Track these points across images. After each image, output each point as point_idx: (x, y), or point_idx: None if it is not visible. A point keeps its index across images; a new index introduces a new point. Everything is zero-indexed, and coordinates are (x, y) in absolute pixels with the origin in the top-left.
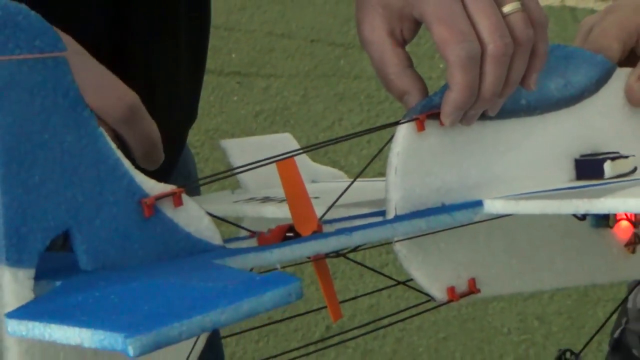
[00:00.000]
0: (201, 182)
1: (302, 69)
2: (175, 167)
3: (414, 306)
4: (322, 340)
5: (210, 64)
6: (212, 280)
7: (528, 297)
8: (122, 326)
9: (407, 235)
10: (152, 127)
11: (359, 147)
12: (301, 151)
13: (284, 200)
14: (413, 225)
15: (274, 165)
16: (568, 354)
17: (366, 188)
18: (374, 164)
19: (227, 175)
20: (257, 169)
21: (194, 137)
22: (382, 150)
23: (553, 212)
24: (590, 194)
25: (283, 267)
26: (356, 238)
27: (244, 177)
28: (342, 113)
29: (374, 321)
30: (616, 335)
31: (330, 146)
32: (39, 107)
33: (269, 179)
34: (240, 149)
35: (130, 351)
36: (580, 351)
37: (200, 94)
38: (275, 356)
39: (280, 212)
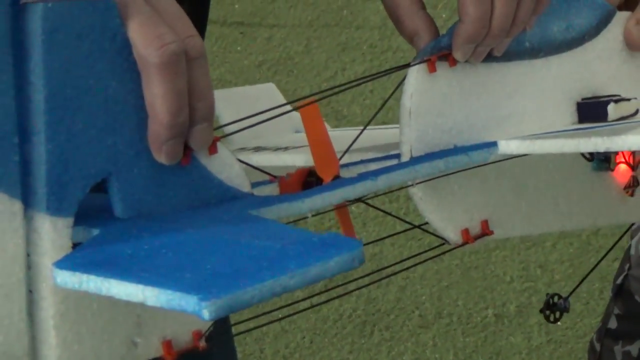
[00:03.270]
0: (236, 127)
1: (304, 19)
2: None
3: (424, 252)
4: (327, 290)
5: (213, 14)
6: (266, 237)
7: (530, 246)
8: (192, 287)
9: (425, 177)
10: (201, 93)
11: (362, 97)
12: (319, 96)
13: (278, 149)
14: (432, 166)
15: (260, 116)
16: (556, 298)
17: (369, 135)
18: (380, 113)
19: (264, 119)
20: (242, 120)
21: None
22: (388, 97)
23: (571, 151)
24: (607, 133)
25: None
26: (381, 182)
27: (229, 129)
28: (345, 63)
29: (378, 270)
30: (619, 281)
31: (334, 95)
32: (86, 52)
33: (255, 131)
34: (225, 100)
35: (206, 315)
36: (568, 296)
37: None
38: (280, 308)
39: (278, 160)
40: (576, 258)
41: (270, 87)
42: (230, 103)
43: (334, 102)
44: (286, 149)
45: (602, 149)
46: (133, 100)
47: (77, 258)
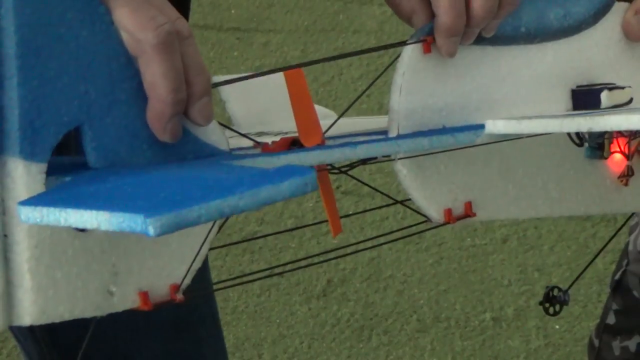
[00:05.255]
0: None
1: (301, 23)
2: None
3: (413, 225)
4: (325, 295)
5: (209, 19)
6: (227, 173)
7: (528, 249)
8: (141, 208)
9: (409, 154)
10: (194, 67)
11: (359, 102)
12: (308, 63)
13: (280, 133)
14: (416, 143)
15: (267, 102)
16: (556, 291)
17: (366, 122)
18: (377, 113)
19: (250, 76)
20: (250, 107)
21: None
22: (382, 71)
23: (555, 131)
24: (592, 115)
25: None
26: (360, 151)
27: (237, 115)
28: (342, 67)
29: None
30: (617, 277)
31: (330, 100)
32: (55, 1)
33: (262, 117)
34: (232, 85)
35: (151, 230)
36: (568, 288)
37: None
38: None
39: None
40: (574, 261)
41: (278, 74)
42: (238, 87)
43: (331, 107)
44: (287, 133)
45: (584, 129)
46: (104, 51)
47: (42, 197)
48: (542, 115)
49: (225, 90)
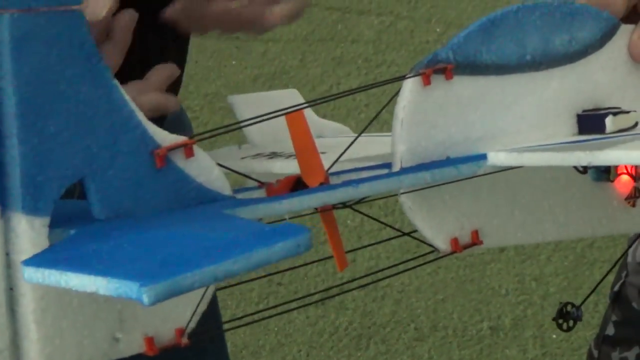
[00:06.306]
0: (211, 133)
1: (299, 33)
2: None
3: (412, 259)
4: (322, 300)
5: None
6: (223, 230)
7: (526, 259)
8: (136, 275)
9: (412, 188)
10: None
11: (357, 111)
12: (307, 104)
13: (291, 156)
14: (418, 177)
15: (281, 120)
16: (569, 307)
17: (372, 142)
18: (375, 125)
19: (236, 127)
20: (264, 125)
21: (193, 101)
22: (382, 110)
23: (556, 164)
24: (592, 147)
25: (291, 218)
26: (363, 189)
27: (251, 133)
28: (340, 77)
29: (373, 273)
30: (616, 288)
31: (328, 109)
32: (55, 59)
33: (276, 135)
34: (247, 104)
35: (145, 299)
36: (581, 304)
37: (186, 64)
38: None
39: (288, 167)
40: (571, 271)
41: (294, 92)
42: (252, 107)
43: (329, 117)
44: None
45: (584, 163)
46: (105, 105)
47: (45, 255)
48: (544, 144)
49: (240, 109)
